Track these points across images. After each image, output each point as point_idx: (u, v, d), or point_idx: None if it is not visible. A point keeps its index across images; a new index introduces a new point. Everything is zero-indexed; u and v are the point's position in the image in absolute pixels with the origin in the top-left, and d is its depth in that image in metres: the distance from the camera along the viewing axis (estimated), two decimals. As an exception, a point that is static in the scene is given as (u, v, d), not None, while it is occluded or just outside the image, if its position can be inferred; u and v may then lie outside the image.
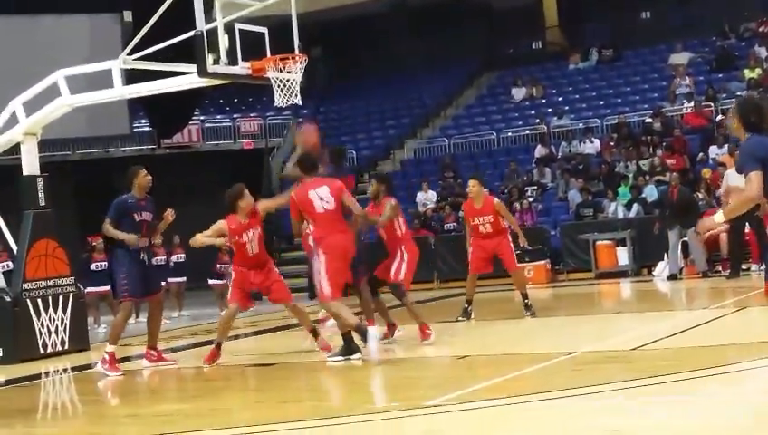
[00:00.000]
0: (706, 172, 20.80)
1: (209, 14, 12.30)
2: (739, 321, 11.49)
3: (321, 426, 6.99)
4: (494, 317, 13.44)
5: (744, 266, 17.33)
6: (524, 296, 13.03)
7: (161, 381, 10.99)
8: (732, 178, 16.61)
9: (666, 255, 18.10)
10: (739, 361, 8.15)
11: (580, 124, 25.85)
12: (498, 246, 12.94)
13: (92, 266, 17.61)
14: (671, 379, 7.57)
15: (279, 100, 12.65)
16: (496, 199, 13.47)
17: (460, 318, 12.99)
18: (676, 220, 17.59)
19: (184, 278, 19.33)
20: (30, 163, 13.84)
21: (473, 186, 13.14)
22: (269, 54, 12.60)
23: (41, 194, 13.70)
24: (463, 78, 31.00)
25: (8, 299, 13.14)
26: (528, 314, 12.82)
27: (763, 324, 11.11)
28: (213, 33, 12.28)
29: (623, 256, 19.76)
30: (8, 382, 11.22)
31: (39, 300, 13.27)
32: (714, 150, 21.83)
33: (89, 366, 12.48)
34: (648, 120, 24.26)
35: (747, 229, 17.08)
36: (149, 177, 11.31)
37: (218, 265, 19.21)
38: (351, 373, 9.81)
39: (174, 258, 19.03)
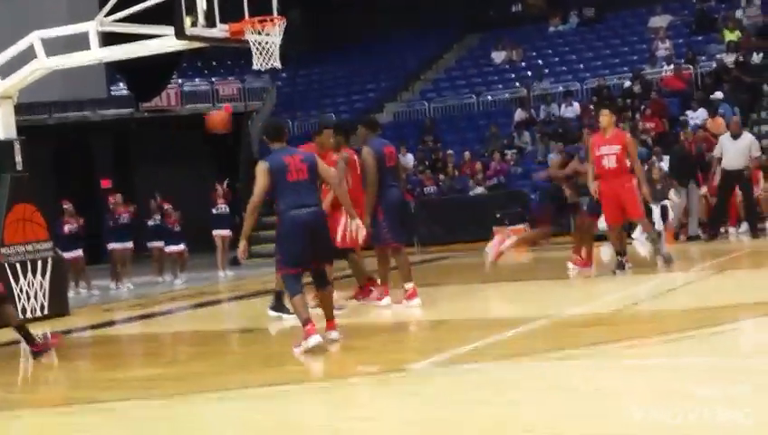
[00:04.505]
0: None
1: (187, -25, 12.15)
2: (718, 283, 11.56)
3: (304, 390, 7.00)
4: (474, 281, 13.46)
5: (722, 230, 17.41)
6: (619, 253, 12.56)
7: (142, 346, 10.98)
8: (726, 142, 16.63)
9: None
10: (718, 323, 8.19)
11: (560, 88, 25.82)
12: (621, 190, 12.24)
13: (65, 229, 17.30)
14: (652, 341, 7.61)
15: (258, 63, 12.55)
16: (629, 135, 12.66)
17: (617, 271, 12.44)
18: (688, 175, 17.23)
19: (181, 246, 19.08)
20: (6, 127, 13.70)
21: (604, 115, 12.41)
22: (247, 17, 12.49)
23: (18, 158, 13.58)
24: (443, 41, 30.86)
25: (-14, 264, 13.06)
26: (618, 271, 12.44)
27: (741, 287, 11.18)
28: (190, -5, 12.14)
29: (602, 219, 19.78)
30: (-13, 348, 11.17)
31: (17, 265, 13.19)
32: (690, 114, 21.84)
33: (69, 331, 12.44)
34: (628, 83, 24.26)
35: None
36: None
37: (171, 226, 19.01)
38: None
39: (171, 226, 18.88)
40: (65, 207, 17.60)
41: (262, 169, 8.51)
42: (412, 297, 10.78)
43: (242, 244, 8.79)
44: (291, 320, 9.76)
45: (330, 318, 8.83)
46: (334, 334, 8.74)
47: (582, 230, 13.54)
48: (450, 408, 6.05)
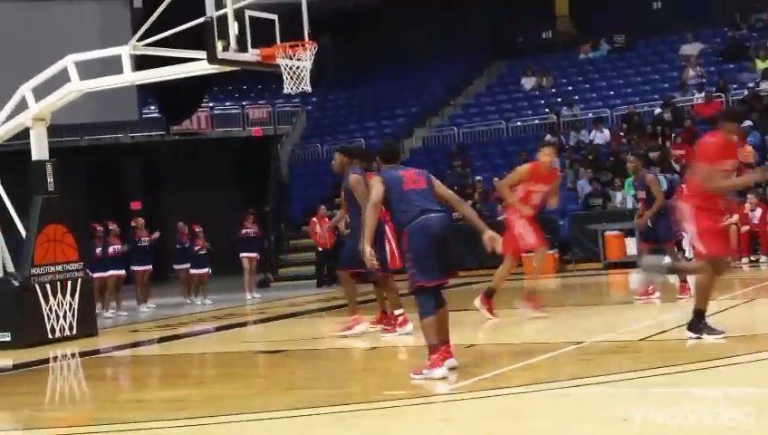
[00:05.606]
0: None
1: (219, 0, 12.28)
2: (748, 312, 11.46)
3: (329, 413, 6.99)
4: (501, 307, 13.40)
5: (752, 258, 17.28)
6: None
7: (169, 367, 11.01)
8: None
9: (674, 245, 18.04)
10: (747, 352, 8.12)
11: (590, 114, 25.78)
12: None
13: (110, 250, 17.76)
14: (680, 369, 7.55)
15: (288, 87, 12.65)
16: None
17: None
18: None
19: (207, 269, 19.31)
20: (39, 148, 13.85)
21: None
22: (278, 42, 12.60)
23: (50, 179, 13.72)
24: (472, 67, 30.93)
25: (17, 284, 13.16)
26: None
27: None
28: (223, 20, 12.27)
29: (632, 246, 19.72)
30: (16, 367, 11.24)
31: (48, 285, 13.29)
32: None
33: (97, 351, 12.51)
34: (658, 110, 24.18)
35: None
36: None
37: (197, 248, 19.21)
38: (359, 361, 9.81)
39: (197, 248, 19.12)
40: (111, 227, 18.07)
41: (376, 179, 8.16)
42: (403, 324, 10.94)
43: (368, 250, 7.94)
44: (711, 339, 8.74)
45: (446, 342, 8.05)
46: (452, 362, 8.01)
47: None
48: None
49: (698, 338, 8.73)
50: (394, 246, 11.23)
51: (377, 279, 11.11)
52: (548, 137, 24.97)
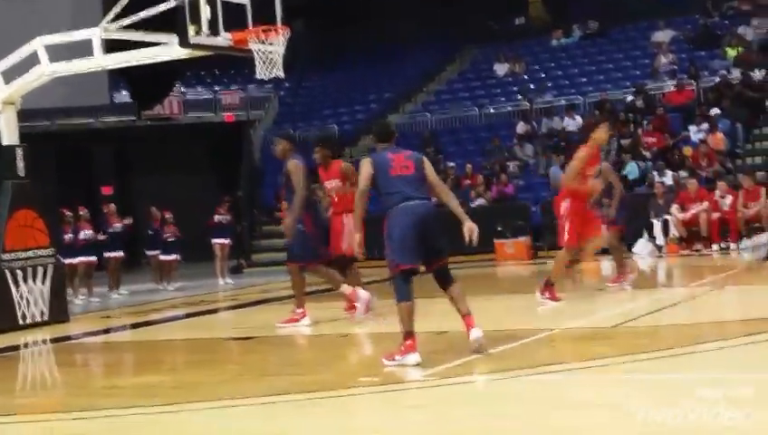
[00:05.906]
0: (688, 150, 20.87)
1: (192, -16, 12.19)
2: (718, 299, 11.55)
3: (302, 400, 6.99)
4: (474, 293, 13.43)
5: (722, 245, 17.41)
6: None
7: (142, 354, 10.96)
8: None
9: (645, 232, 18.16)
10: (717, 339, 8.19)
11: (563, 101, 25.83)
12: None
13: (81, 236, 17.63)
14: (651, 356, 7.60)
15: (261, 72, 12.58)
16: None
17: None
18: None
19: (175, 255, 19.22)
20: (9, 133, 13.72)
21: None
22: (251, 26, 12.53)
23: (20, 164, 13.60)
24: (445, 53, 30.90)
25: (-13, 270, 13.05)
26: None
27: (740, 303, 11.17)
28: (195, 4, 12.18)
29: (604, 233, 19.78)
30: (-14, 353, 11.16)
31: (18, 271, 13.18)
32: (693, 129, 21.85)
33: (68, 337, 12.44)
34: (630, 97, 24.27)
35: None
36: None
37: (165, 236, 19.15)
38: (332, 348, 9.81)
39: (165, 235, 19.04)
40: (81, 213, 17.92)
41: (366, 161, 8.15)
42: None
43: (357, 237, 8.20)
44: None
45: (466, 313, 8.10)
46: (477, 333, 8.01)
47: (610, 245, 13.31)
48: (452, 422, 6.04)
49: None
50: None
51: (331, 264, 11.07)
52: (520, 124, 25.08)
